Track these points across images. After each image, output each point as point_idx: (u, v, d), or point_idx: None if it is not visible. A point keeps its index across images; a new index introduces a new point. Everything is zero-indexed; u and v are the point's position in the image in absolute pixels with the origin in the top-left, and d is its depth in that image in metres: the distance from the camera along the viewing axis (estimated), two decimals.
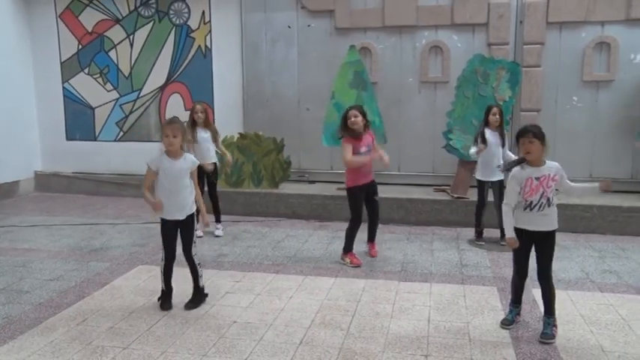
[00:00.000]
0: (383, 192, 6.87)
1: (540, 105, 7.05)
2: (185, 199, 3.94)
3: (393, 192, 6.97)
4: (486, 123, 5.57)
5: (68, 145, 8.93)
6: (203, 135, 5.86)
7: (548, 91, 7.07)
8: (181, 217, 3.94)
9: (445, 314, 3.89)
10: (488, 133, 5.51)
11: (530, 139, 3.43)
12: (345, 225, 5.27)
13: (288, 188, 7.29)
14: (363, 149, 4.96)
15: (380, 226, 5.46)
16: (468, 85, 6.76)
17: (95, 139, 8.84)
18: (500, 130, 5.56)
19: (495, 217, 5.57)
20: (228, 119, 8.09)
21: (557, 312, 3.81)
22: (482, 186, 5.68)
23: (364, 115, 5.02)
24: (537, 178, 3.49)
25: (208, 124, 5.96)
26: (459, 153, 6.75)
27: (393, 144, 7.43)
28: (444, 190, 7.03)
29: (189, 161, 3.97)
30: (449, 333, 3.58)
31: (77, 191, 8.81)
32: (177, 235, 4.01)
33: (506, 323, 3.67)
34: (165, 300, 4.05)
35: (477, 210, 5.79)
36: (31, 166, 8.97)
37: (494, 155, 5.50)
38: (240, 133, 7.39)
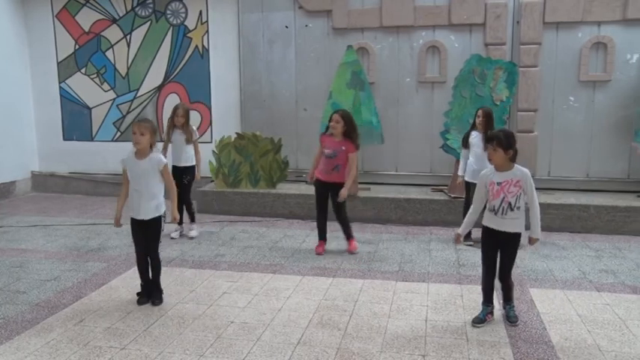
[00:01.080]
0: (381, 192, 6.92)
1: (537, 105, 7.06)
2: (150, 200, 3.94)
3: (391, 192, 6.98)
4: (473, 125, 5.64)
5: (65, 145, 8.91)
6: (179, 136, 5.84)
7: (545, 91, 7.09)
8: (145, 217, 3.97)
9: (443, 314, 3.90)
10: (473, 135, 5.56)
11: (493, 147, 3.55)
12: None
13: (285, 188, 7.29)
14: (327, 151, 5.16)
15: (377, 226, 5.47)
16: (465, 85, 6.77)
17: (92, 140, 8.82)
18: (485, 132, 5.45)
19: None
20: (226, 119, 8.09)
21: (554, 311, 3.84)
22: (469, 187, 5.65)
23: (348, 122, 5.09)
24: (499, 183, 3.59)
25: (185, 127, 5.86)
26: (457, 153, 6.75)
27: (391, 144, 7.45)
28: (441, 190, 7.04)
29: (154, 161, 3.94)
30: (446, 332, 3.59)
31: (74, 191, 8.79)
32: (145, 234, 4.05)
33: (476, 321, 3.70)
34: (141, 294, 4.12)
35: (465, 210, 5.74)
36: (28, 167, 8.95)
37: (478, 158, 5.47)
38: (237, 133, 7.38)
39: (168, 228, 6.02)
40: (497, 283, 3.78)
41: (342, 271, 4.87)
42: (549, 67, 7.04)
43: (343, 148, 5.12)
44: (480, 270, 4.85)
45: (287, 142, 7.48)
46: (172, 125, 5.87)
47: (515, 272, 4.25)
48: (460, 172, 5.76)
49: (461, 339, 3.49)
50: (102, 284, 4.53)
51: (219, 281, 4.58)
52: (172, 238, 5.88)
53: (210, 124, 8.26)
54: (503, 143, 3.51)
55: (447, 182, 7.02)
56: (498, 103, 6.66)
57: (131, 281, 4.60)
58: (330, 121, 5.17)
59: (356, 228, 5.78)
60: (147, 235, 4.02)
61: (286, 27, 7.74)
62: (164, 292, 4.23)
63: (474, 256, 5.31)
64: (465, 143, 5.66)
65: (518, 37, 7.02)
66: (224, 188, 7.30)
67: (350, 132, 5.12)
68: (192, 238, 5.95)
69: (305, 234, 6.17)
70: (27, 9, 8.70)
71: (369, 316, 3.85)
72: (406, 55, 7.44)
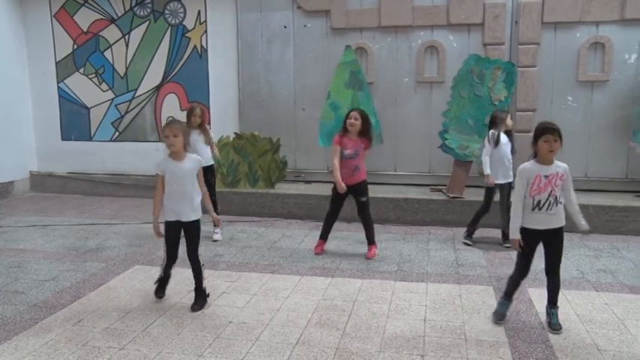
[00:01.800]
0: (379, 192, 6.91)
1: (536, 105, 7.07)
2: (192, 201, 3.93)
3: (390, 192, 6.98)
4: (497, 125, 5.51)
5: (63, 145, 8.90)
6: (196, 137, 5.82)
7: (543, 91, 7.09)
8: (187, 219, 3.94)
9: (441, 314, 3.90)
10: (503, 136, 5.47)
11: (555, 138, 3.42)
12: (340, 225, 5.31)
13: (284, 188, 7.29)
14: (347, 151, 5.12)
15: (376, 225, 5.47)
16: (463, 85, 6.78)
17: (90, 140, 8.81)
18: (509, 132, 5.58)
19: (494, 217, 5.58)
20: (224, 119, 8.09)
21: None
22: (491, 190, 5.57)
23: (366, 120, 5.10)
24: (546, 176, 3.49)
25: (203, 128, 5.89)
26: (455, 153, 6.76)
27: (389, 144, 7.45)
28: (440, 190, 7.05)
29: (194, 161, 3.96)
30: (445, 332, 3.59)
31: (72, 191, 8.78)
32: (180, 236, 4.02)
33: (500, 318, 3.68)
34: (161, 287, 4.14)
35: (480, 212, 5.70)
36: (26, 167, 8.94)
37: (504, 156, 5.47)
38: (236, 133, 7.38)
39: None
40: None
41: (341, 271, 4.87)
42: (548, 67, 7.05)
43: (362, 146, 5.14)
44: (478, 270, 4.88)
45: (285, 142, 7.47)
46: (188, 126, 5.80)
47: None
48: (488, 171, 5.49)
49: (459, 339, 3.50)
50: (100, 284, 4.52)
51: (218, 281, 4.58)
52: (215, 241, 5.88)
53: (209, 124, 8.22)
54: (561, 135, 3.43)
55: (446, 182, 7.02)
56: (497, 103, 6.66)
57: (129, 281, 4.60)
58: (347, 118, 5.13)
59: (355, 228, 5.78)
60: (188, 238, 3.98)
61: (285, 27, 7.74)
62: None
63: (472, 256, 5.31)
64: (497, 143, 5.44)
65: (517, 37, 7.03)
66: (222, 188, 7.29)
67: (366, 130, 5.13)
68: (215, 241, 5.91)
69: (304, 234, 6.16)
70: (25, 8, 8.69)
71: (368, 316, 3.85)
72: (404, 55, 7.45)
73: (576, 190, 7.17)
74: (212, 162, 6.00)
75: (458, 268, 4.97)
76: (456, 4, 7.09)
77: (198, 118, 5.82)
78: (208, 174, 5.92)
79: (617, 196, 6.64)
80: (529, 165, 3.55)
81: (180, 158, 3.90)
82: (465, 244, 5.68)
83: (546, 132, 3.44)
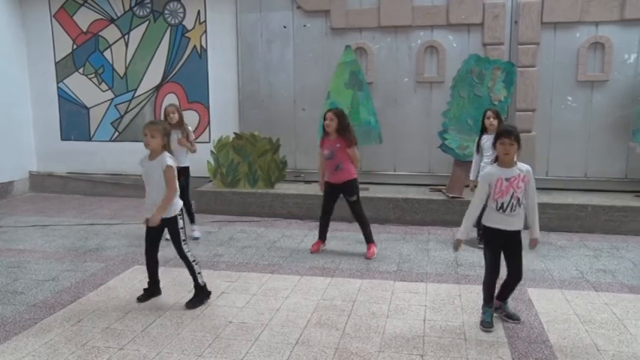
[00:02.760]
0: (379, 192, 6.92)
1: (535, 105, 7.07)
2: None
3: (389, 192, 6.98)
4: (483, 129, 5.51)
5: (63, 145, 8.89)
6: (176, 137, 5.76)
7: (543, 91, 7.09)
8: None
9: (441, 314, 3.90)
10: (485, 139, 5.43)
11: (511, 141, 3.48)
12: (340, 225, 5.30)
13: (283, 188, 7.28)
14: (325, 152, 5.18)
15: (376, 225, 5.47)
16: (463, 85, 6.78)
17: (90, 140, 8.81)
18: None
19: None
20: (224, 119, 8.09)
21: (552, 311, 3.85)
22: None
23: (342, 119, 5.11)
24: (507, 179, 3.53)
25: (180, 125, 5.76)
26: (455, 153, 6.77)
27: (389, 144, 7.45)
28: (439, 190, 7.05)
29: (160, 161, 3.95)
30: (445, 332, 3.59)
31: (72, 191, 8.78)
32: (159, 234, 4.12)
33: (487, 326, 3.62)
34: (144, 293, 4.18)
35: (481, 213, 5.68)
36: (26, 167, 8.93)
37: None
38: (235, 133, 7.38)
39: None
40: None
41: (341, 271, 4.87)
42: (547, 67, 7.05)
43: (338, 145, 5.12)
44: (478, 270, 4.88)
45: (285, 142, 7.47)
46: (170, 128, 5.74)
47: None
48: (472, 177, 5.62)
49: (459, 339, 3.50)
50: (100, 284, 4.52)
51: (218, 281, 4.57)
52: (196, 238, 5.91)
53: (209, 124, 8.25)
54: (518, 137, 3.48)
55: (445, 182, 7.03)
56: (496, 103, 6.66)
57: (129, 281, 4.60)
58: (324, 119, 5.18)
59: (355, 228, 5.77)
60: (170, 235, 4.07)
61: (284, 27, 7.74)
62: (162, 292, 4.24)
63: (471, 256, 5.31)
64: (478, 148, 5.51)
65: (516, 37, 7.03)
66: (222, 188, 7.29)
67: (343, 129, 5.11)
68: (195, 238, 5.93)
69: (303, 234, 6.16)
70: (25, 9, 8.69)
71: (368, 316, 3.85)
72: (404, 55, 7.45)
73: (576, 189, 7.27)
74: (186, 163, 5.79)
75: (457, 268, 4.97)
76: (456, 4, 7.09)
77: (172, 115, 5.65)
78: (181, 174, 5.80)
79: (617, 196, 6.65)
80: (491, 169, 3.62)
81: (154, 157, 3.97)
82: (480, 247, 5.62)
83: (502, 135, 3.52)
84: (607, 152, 7.06)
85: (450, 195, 6.69)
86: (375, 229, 5.41)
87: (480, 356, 3.26)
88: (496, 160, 3.63)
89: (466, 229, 3.67)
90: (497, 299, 3.76)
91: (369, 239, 5.34)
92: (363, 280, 4.63)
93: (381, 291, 4.35)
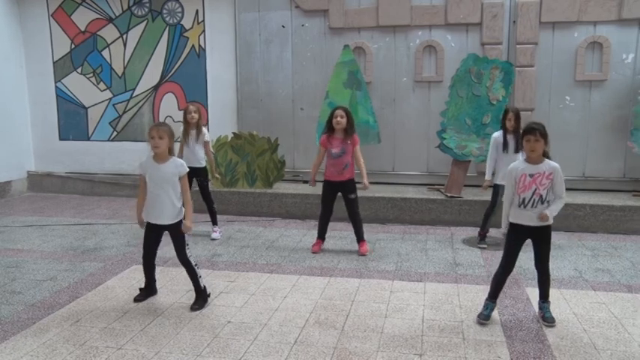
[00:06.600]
0: (377, 191, 6.92)
1: (533, 104, 7.08)
2: (172, 206, 3.88)
3: (387, 191, 6.99)
4: (504, 128, 5.38)
5: (61, 145, 8.88)
6: (193, 136, 5.76)
7: (541, 91, 7.11)
8: (167, 222, 3.91)
9: (439, 313, 3.90)
10: (509, 138, 5.34)
11: (536, 138, 3.50)
12: (339, 224, 5.30)
13: (282, 188, 7.29)
14: (335, 150, 5.16)
15: (374, 225, 5.47)
16: (461, 84, 6.79)
17: (88, 139, 8.80)
18: (516, 133, 5.30)
19: (493, 217, 5.57)
20: (222, 119, 8.09)
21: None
22: (498, 190, 5.45)
23: (350, 117, 5.14)
24: (531, 175, 3.56)
25: (199, 126, 5.80)
26: (453, 152, 6.77)
27: (388, 143, 7.46)
28: (438, 190, 7.06)
29: (176, 166, 3.88)
30: (443, 332, 3.59)
31: (70, 191, 8.77)
32: (158, 239, 4.03)
33: (483, 318, 3.70)
34: (140, 293, 4.16)
35: (488, 213, 5.65)
36: (24, 166, 8.92)
37: (512, 159, 5.39)
38: (234, 133, 7.37)
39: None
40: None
41: (339, 270, 4.88)
42: (545, 67, 7.07)
43: (349, 142, 5.15)
44: (476, 269, 4.88)
45: (284, 142, 7.48)
46: (187, 125, 5.74)
47: (513, 271, 4.25)
48: (488, 177, 5.50)
49: (457, 338, 3.50)
50: (98, 284, 4.52)
51: (216, 281, 4.57)
52: (214, 239, 5.89)
53: (207, 123, 8.25)
54: (544, 134, 3.50)
55: (444, 182, 7.03)
56: (495, 102, 6.68)
57: (127, 281, 4.59)
58: (333, 117, 5.15)
59: None
60: (173, 241, 3.97)
61: (283, 26, 7.74)
62: (158, 292, 4.25)
63: (470, 256, 5.32)
64: (506, 147, 5.36)
65: (515, 36, 7.04)
66: (221, 188, 7.29)
67: (351, 127, 5.16)
68: (213, 239, 5.90)
69: (302, 233, 6.17)
70: (22, 8, 8.67)
71: (366, 316, 3.85)
72: (403, 55, 7.45)
73: (574, 189, 7.28)
74: (204, 163, 5.89)
75: (456, 267, 4.98)
76: (454, 3, 7.10)
77: (194, 114, 5.71)
78: (201, 175, 5.88)
79: (615, 196, 6.66)
80: (517, 164, 3.69)
81: (163, 161, 3.85)
82: (480, 247, 5.62)
83: (527, 132, 3.55)
84: (605, 152, 7.07)
85: (449, 194, 6.70)
86: (373, 228, 5.42)
87: (478, 356, 3.26)
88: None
89: (505, 223, 3.77)
90: (539, 297, 3.80)
91: (360, 237, 5.40)
92: (362, 279, 4.63)
93: (380, 290, 4.35)
